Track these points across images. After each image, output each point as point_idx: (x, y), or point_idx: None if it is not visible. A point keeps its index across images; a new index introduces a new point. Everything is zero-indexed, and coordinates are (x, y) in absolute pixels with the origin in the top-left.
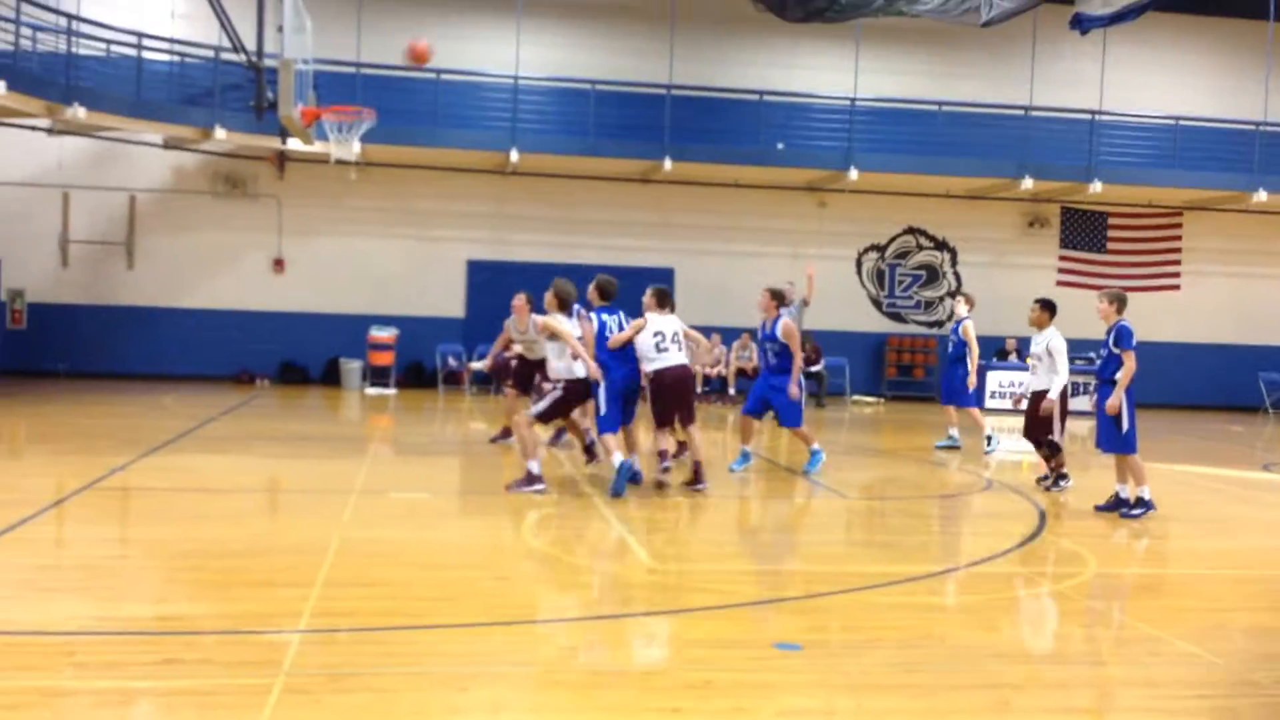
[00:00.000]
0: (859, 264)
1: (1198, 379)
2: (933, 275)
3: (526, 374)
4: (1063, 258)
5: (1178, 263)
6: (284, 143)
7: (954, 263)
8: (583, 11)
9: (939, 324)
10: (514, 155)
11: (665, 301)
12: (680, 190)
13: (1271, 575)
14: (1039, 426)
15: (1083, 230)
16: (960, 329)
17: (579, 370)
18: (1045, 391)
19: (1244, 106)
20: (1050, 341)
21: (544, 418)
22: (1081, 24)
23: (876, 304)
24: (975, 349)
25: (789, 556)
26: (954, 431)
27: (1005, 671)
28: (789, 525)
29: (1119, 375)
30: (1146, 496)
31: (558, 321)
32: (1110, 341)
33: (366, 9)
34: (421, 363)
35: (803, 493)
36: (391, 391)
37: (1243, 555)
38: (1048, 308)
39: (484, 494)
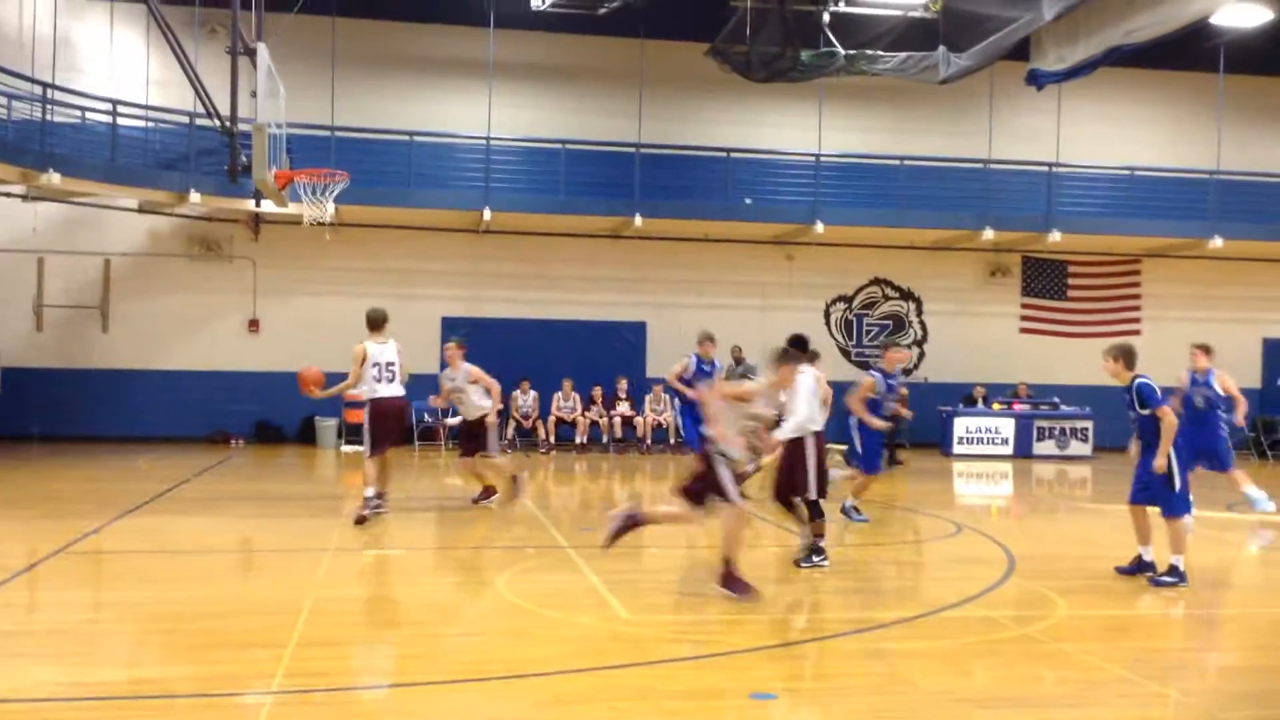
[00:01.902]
0: (827, 315)
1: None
2: (899, 324)
3: (469, 433)
4: (1025, 305)
5: (1138, 308)
6: (258, 205)
7: (919, 312)
8: (553, 73)
9: (906, 372)
10: (487, 214)
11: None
12: (651, 245)
13: (1238, 615)
14: (790, 484)
15: (1043, 279)
16: (1215, 379)
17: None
18: (799, 440)
19: (1197, 156)
20: (801, 379)
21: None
22: (1037, 80)
23: (845, 354)
24: (1241, 399)
25: (765, 605)
26: (1249, 490)
27: (976, 716)
28: (764, 574)
29: (1161, 434)
30: (1181, 566)
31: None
32: (1135, 404)
33: (339, 74)
34: None
35: (778, 541)
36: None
37: (1213, 595)
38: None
39: (459, 549)
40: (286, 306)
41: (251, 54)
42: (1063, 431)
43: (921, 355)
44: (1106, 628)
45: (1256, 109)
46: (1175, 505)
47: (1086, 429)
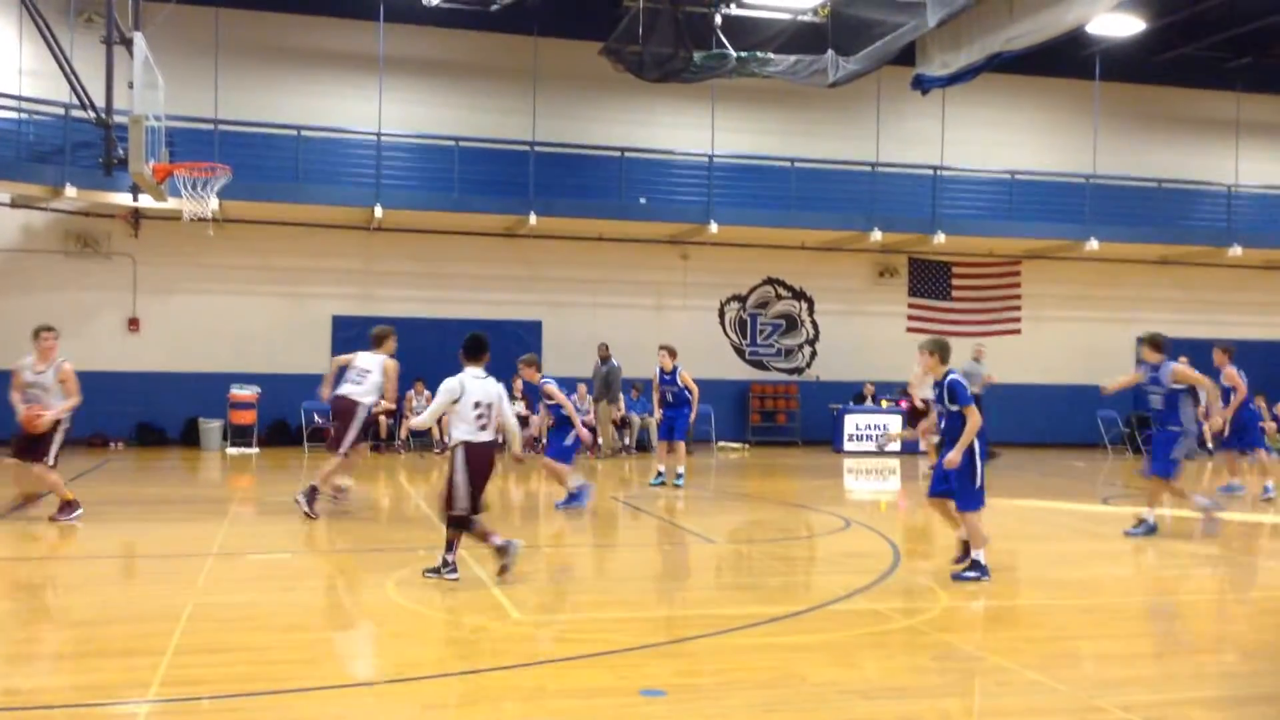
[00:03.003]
0: (721, 314)
1: (1039, 418)
2: (792, 324)
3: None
4: (911, 305)
5: (1018, 308)
6: (136, 200)
7: (811, 311)
8: (446, 69)
9: (798, 370)
10: (379, 211)
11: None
12: (546, 244)
13: (1113, 603)
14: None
15: (929, 279)
16: (1225, 375)
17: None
18: (453, 449)
19: (1074, 161)
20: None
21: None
22: (922, 84)
23: (739, 352)
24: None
25: (656, 602)
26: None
27: (861, 706)
28: (656, 572)
29: (964, 431)
30: (982, 560)
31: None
32: (944, 397)
33: (224, 66)
34: (286, 420)
35: (671, 539)
36: (254, 450)
37: (1086, 585)
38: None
39: (348, 552)
40: (168, 305)
41: (128, 44)
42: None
43: (813, 354)
44: (987, 618)
45: (1130, 115)
46: (971, 499)
47: None
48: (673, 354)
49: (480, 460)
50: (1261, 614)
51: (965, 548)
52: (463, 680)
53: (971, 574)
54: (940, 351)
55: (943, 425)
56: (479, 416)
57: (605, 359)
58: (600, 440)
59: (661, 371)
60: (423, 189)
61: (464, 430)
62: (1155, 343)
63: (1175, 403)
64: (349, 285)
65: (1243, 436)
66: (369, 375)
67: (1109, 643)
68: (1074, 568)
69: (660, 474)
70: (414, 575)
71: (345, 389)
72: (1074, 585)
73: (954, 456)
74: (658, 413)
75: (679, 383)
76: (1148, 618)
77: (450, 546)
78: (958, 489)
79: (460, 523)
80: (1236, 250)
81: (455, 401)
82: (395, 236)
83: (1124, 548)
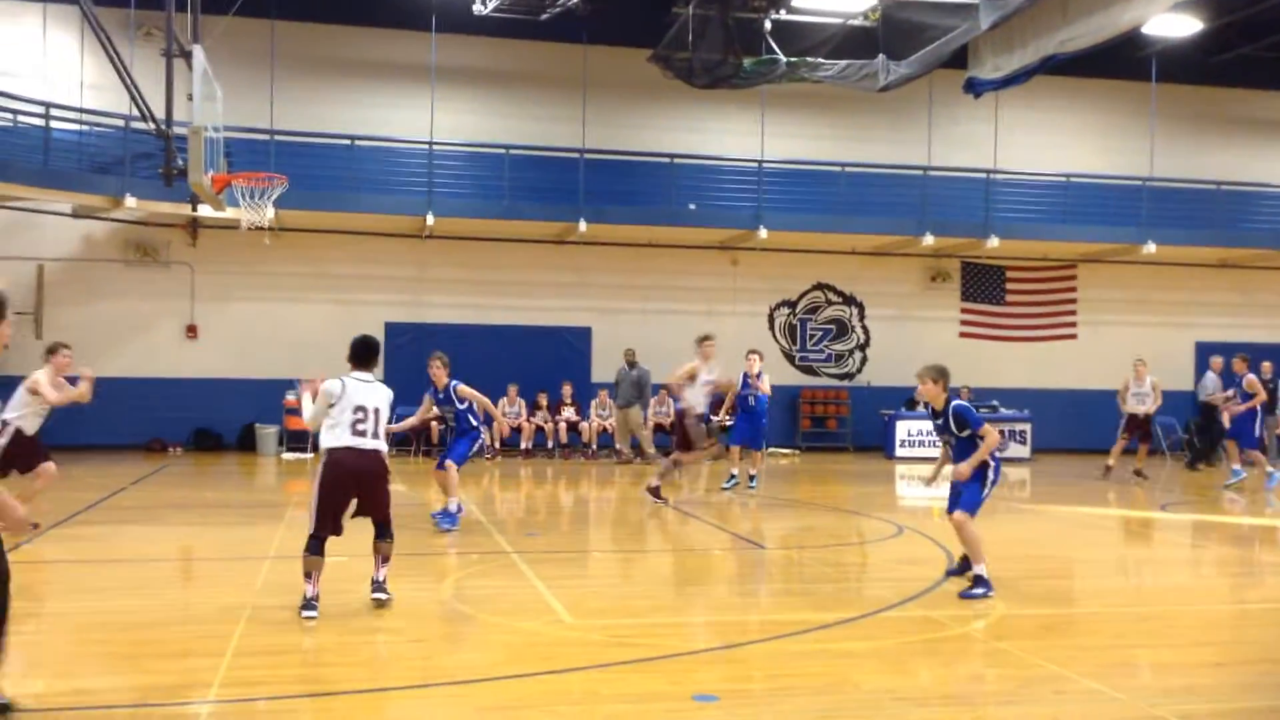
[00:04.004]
0: (771, 319)
1: (1096, 424)
2: (842, 329)
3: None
4: (964, 310)
5: (1074, 313)
6: (195, 209)
7: (862, 317)
8: (496, 78)
9: (849, 376)
10: (430, 219)
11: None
12: (596, 251)
13: (1171, 611)
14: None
15: (982, 284)
16: (1245, 382)
17: None
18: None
19: (1130, 163)
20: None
21: None
22: (974, 88)
23: (789, 358)
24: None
25: (708, 608)
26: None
27: (916, 714)
28: (708, 577)
29: (980, 450)
30: (985, 575)
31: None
32: (952, 425)
33: (279, 77)
34: None
35: (722, 544)
36: (309, 456)
37: (1144, 593)
38: None
39: (402, 555)
40: (225, 312)
41: (187, 56)
42: (1002, 434)
43: (864, 360)
44: (1043, 626)
45: (1188, 117)
46: (971, 503)
47: (1025, 431)
48: (761, 358)
49: (341, 471)
50: None
51: (965, 560)
52: (516, 684)
53: (977, 590)
54: (943, 379)
55: (954, 453)
56: (358, 422)
57: (633, 364)
58: (623, 447)
59: (746, 376)
60: (473, 197)
61: (332, 437)
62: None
63: None
64: (401, 292)
65: (1242, 435)
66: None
67: (1167, 651)
68: (1131, 575)
69: (734, 476)
70: (469, 579)
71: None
72: (1131, 593)
73: (965, 468)
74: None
75: (759, 387)
76: (1207, 626)
77: (306, 576)
78: (963, 491)
79: (309, 546)
80: None
81: (333, 405)
82: (446, 244)
83: (1182, 555)
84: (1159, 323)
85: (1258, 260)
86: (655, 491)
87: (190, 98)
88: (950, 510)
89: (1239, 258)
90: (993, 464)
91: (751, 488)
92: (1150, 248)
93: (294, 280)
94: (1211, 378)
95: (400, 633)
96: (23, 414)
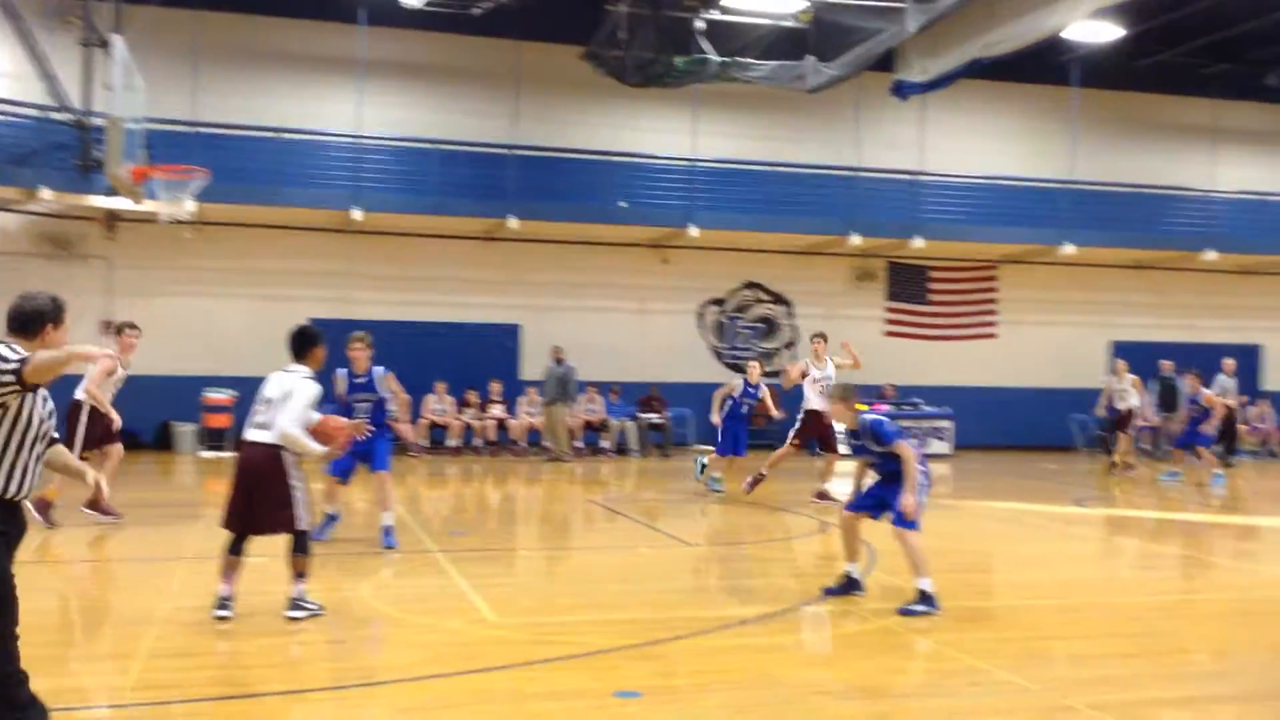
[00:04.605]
0: (701, 317)
1: (1015, 421)
2: (771, 327)
3: None
4: (889, 309)
5: (994, 312)
6: (113, 202)
7: (790, 315)
8: (427, 72)
9: (778, 374)
10: (357, 213)
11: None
12: (526, 248)
13: (1086, 603)
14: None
15: (907, 283)
16: (1203, 398)
17: None
18: (277, 455)
19: (1052, 166)
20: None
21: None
22: (902, 91)
23: (718, 355)
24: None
25: (633, 605)
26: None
27: (834, 707)
28: (634, 574)
29: (903, 471)
30: (930, 590)
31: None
32: (868, 444)
33: (203, 69)
34: None
35: (649, 542)
36: (228, 454)
37: (1059, 586)
38: None
39: (320, 554)
40: (146, 308)
41: (107, 46)
42: (925, 431)
43: (793, 357)
44: (961, 619)
45: (1109, 121)
46: (909, 520)
47: (947, 429)
48: (762, 365)
49: (237, 465)
50: (1231, 614)
51: (847, 578)
52: (437, 684)
53: (920, 607)
54: (849, 398)
55: (879, 469)
56: (257, 413)
57: (560, 360)
58: (553, 443)
59: (746, 383)
60: (402, 192)
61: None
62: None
63: None
64: (327, 288)
65: (1189, 437)
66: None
67: (1081, 643)
68: (1047, 569)
69: (716, 479)
70: (392, 579)
71: None
72: (1047, 586)
73: (910, 501)
74: (718, 420)
75: (759, 398)
76: (1120, 618)
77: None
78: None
79: (228, 544)
80: (1211, 255)
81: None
82: (374, 239)
83: (1097, 550)
84: (1076, 322)
85: (1172, 262)
86: (824, 495)
87: (109, 88)
88: (852, 506)
89: (1155, 259)
90: (922, 472)
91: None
92: (1069, 249)
93: (216, 275)
94: (1225, 380)
95: (319, 634)
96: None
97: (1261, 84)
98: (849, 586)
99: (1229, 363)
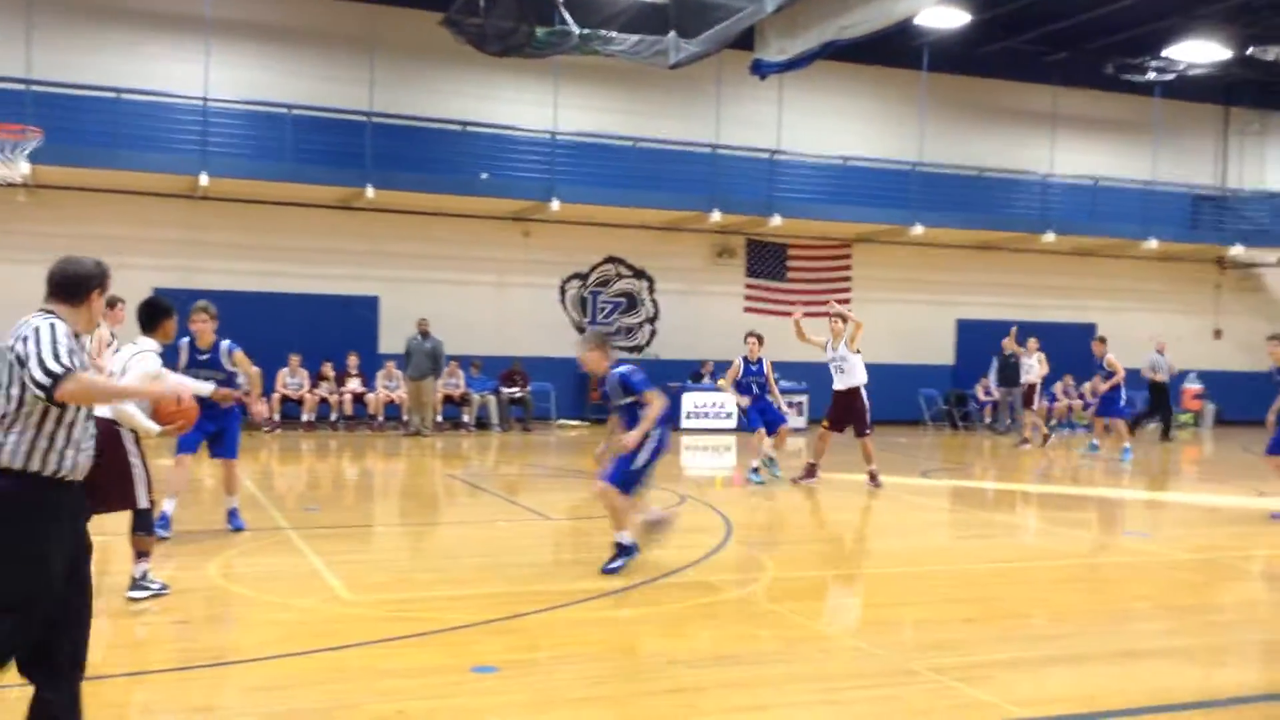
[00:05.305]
0: (562, 292)
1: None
2: (632, 302)
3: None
4: (749, 285)
5: (849, 290)
6: None
7: (652, 290)
8: (279, 34)
9: (639, 349)
10: (204, 179)
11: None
12: (385, 218)
13: (931, 571)
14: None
15: (765, 260)
16: (1106, 362)
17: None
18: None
19: (902, 148)
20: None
21: None
22: (760, 69)
23: (580, 330)
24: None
25: (491, 579)
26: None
27: (689, 676)
28: (492, 549)
29: (643, 419)
30: (627, 541)
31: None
32: (615, 398)
33: (38, 23)
34: None
35: (507, 516)
36: None
37: (907, 554)
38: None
39: (169, 534)
40: None
41: None
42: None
43: (654, 333)
44: (814, 588)
45: (956, 105)
46: (622, 477)
47: (802, 403)
48: (761, 341)
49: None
50: (1070, 580)
51: (618, 546)
52: (286, 662)
53: (617, 563)
54: (603, 345)
55: (622, 422)
56: None
57: (426, 334)
58: (419, 418)
59: (747, 361)
60: (253, 158)
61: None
62: None
63: None
64: (171, 256)
65: (1107, 408)
66: None
67: (924, 609)
68: (896, 539)
69: (772, 460)
70: (240, 557)
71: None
72: (896, 555)
73: (634, 437)
74: (741, 399)
75: (764, 373)
76: (961, 584)
77: (147, 553)
78: (615, 463)
79: (144, 520)
80: (1050, 237)
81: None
82: (223, 206)
83: (942, 519)
84: (925, 301)
85: (1013, 243)
86: (874, 476)
87: None
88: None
89: (997, 240)
90: (656, 433)
91: (776, 473)
92: (918, 229)
93: (52, 241)
94: (1156, 357)
95: (164, 614)
96: None
97: (1099, 72)
98: (622, 553)
99: (1161, 342)
